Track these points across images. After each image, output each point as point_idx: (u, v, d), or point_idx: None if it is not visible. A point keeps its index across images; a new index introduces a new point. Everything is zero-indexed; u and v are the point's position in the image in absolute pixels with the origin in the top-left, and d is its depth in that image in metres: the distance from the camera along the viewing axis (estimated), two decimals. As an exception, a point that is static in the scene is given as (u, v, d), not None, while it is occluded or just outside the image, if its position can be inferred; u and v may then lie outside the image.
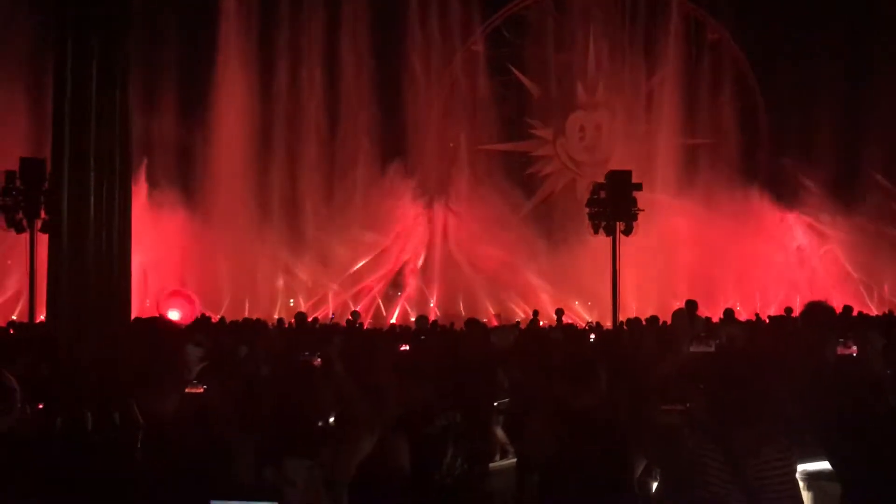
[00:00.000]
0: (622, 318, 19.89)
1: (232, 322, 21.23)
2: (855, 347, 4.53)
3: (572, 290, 30.58)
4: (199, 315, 19.58)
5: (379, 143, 32.37)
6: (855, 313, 17.04)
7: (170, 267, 28.13)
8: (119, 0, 4.38)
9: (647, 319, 15.59)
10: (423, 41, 33.15)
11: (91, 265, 4.39)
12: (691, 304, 9.08)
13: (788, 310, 18.32)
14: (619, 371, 5.33)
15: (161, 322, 2.89)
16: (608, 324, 21.40)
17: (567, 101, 35.13)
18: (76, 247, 4.46)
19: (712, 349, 5.27)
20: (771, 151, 33.64)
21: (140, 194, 28.33)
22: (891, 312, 19.57)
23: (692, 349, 5.37)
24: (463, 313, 26.97)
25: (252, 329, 17.40)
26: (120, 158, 4.26)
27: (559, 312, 19.93)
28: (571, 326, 17.70)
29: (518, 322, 21.36)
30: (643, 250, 24.62)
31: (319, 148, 32.78)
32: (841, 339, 4.26)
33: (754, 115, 34.54)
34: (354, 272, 31.44)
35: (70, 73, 4.32)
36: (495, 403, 8.85)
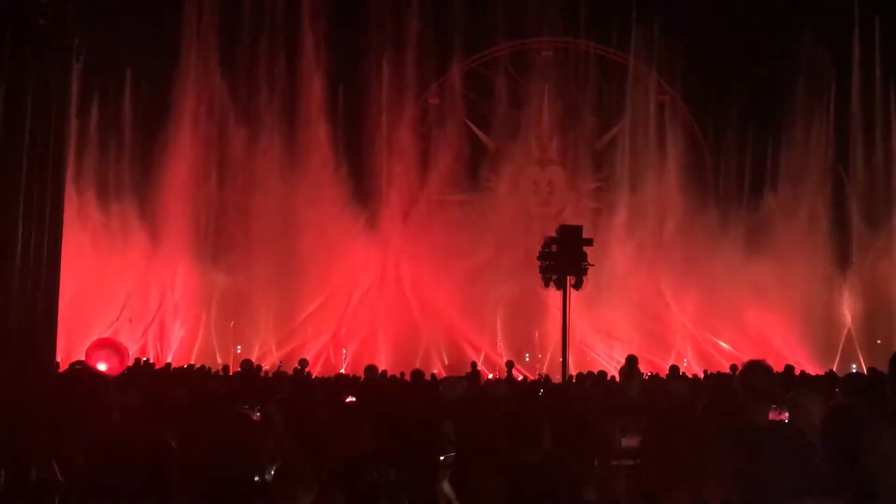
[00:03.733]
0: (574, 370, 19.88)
1: (177, 368, 20.71)
2: (787, 414, 4.56)
3: (525, 341, 30.63)
4: (126, 365, 18.98)
5: (336, 191, 32.41)
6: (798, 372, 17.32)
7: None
8: (63, 7, 4.17)
9: (596, 374, 15.61)
10: (382, 93, 33.50)
11: (14, 296, 4.06)
12: (632, 360, 9.14)
13: (734, 367, 18.50)
14: (564, 427, 5.30)
15: (85, 374, 2.77)
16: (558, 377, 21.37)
17: (521, 156, 35.70)
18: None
19: (636, 445, 5.27)
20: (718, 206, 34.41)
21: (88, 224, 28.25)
22: (831, 371, 19.97)
23: (623, 443, 5.33)
24: (415, 363, 26.73)
25: (196, 376, 16.97)
26: (52, 176, 4.03)
27: (509, 365, 19.87)
28: (523, 379, 17.66)
29: (468, 373, 21.18)
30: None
31: (276, 195, 32.61)
32: (773, 406, 4.28)
33: (703, 173, 35.50)
34: (305, 318, 31.07)
35: (6, 78, 4.05)
36: (441, 458, 8.70)
